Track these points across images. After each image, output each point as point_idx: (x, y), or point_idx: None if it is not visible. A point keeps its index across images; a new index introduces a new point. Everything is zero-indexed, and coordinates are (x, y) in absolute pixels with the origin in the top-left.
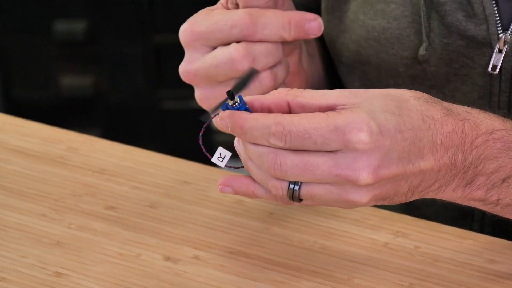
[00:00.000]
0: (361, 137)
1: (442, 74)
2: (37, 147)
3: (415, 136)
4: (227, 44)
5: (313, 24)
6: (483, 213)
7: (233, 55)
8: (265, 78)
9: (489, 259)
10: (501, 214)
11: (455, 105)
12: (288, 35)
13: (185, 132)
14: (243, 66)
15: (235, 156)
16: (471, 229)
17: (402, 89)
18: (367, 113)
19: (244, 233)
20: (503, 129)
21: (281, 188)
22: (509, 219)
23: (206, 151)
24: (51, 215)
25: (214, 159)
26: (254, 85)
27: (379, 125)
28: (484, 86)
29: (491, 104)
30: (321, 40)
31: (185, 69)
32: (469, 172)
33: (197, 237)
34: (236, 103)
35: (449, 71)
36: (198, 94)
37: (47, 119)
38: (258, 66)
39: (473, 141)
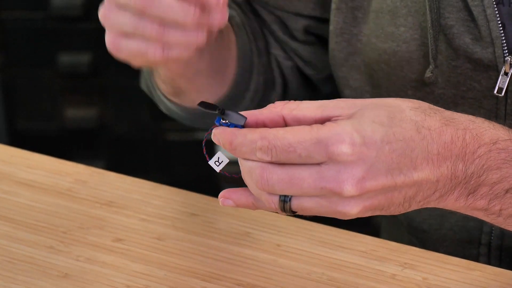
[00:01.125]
0: (343, 149)
1: (449, 97)
2: (44, 180)
3: (406, 147)
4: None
5: (216, 16)
6: (490, 237)
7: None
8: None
9: None
10: (503, 226)
11: (457, 114)
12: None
13: (190, 163)
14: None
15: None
16: (478, 252)
17: (401, 99)
18: (352, 125)
19: (252, 265)
20: (507, 139)
21: (273, 202)
22: None
23: (209, 156)
24: (58, 248)
25: (211, 162)
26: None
27: (364, 137)
28: (490, 109)
29: None
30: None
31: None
32: (472, 182)
33: (205, 269)
34: (227, 120)
35: (457, 94)
36: (101, 11)
37: (51, 151)
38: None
39: (475, 150)
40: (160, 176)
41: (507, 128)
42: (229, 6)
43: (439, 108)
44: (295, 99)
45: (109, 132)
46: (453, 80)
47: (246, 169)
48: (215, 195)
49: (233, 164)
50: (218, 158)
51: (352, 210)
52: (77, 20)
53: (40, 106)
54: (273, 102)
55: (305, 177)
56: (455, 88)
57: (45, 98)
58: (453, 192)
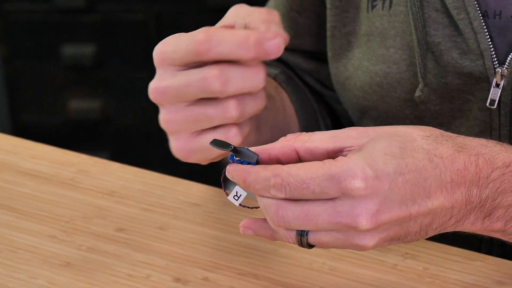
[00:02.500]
0: (356, 184)
1: (447, 112)
2: (48, 170)
3: (419, 176)
4: (188, 64)
5: (271, 43)
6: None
7: (206, 75)
8: (229, 107)
9: (498, 280)
10: None
11: (469, 139)
12: (246, 53)
13: None
14: (215, 87)
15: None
16: (479, 249)
17: (412, 127)
18: (363, 159)
19: (253, 255)
20: None
21: (290, 237)
22: None
23: (226, 189)
24: (61, 237)
25: (230, 197)
26: (216, 114)
27: (376, 170)
28: (485, 120)
29: (492, 138)
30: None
31: (154, 86)
32: (487, 206)
33: (207, 258)
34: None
35: (454, 108)
36: (162, 116)
37: (55, 142)
38: (231, 89)
39: (489, 175)
40: (163, 166)
41: None
42: (270, 65)
43: (451, 134)
44: None
45: (113, 123)
46: (446, 96)
47: (262, 205)
48: (217, 185)
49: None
50: (237, 192)
51: (369, 243)
52: (81, 12)
53: (44, 98)
54: None
55: (320, 213)
56: (451, 103)
57: (48, 90)
58: (469, 217)
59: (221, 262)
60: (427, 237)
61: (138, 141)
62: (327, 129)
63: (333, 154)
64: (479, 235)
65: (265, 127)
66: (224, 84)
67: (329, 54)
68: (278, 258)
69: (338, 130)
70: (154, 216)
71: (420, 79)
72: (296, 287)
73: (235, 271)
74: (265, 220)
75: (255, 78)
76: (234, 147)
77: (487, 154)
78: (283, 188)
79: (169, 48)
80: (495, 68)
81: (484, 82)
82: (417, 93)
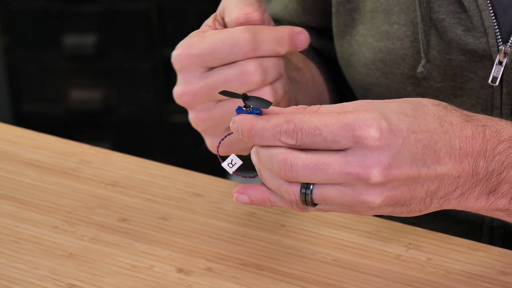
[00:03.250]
0: (371, 133)
1: (448, 89)
2: (50, 160)
3: (430, 138)
4: (228, 63)
5: (301, 37)
6: (491, 227)
7: (246, 68)
8: (266, 93)
9: (501, 271)
10: None
11: (475, 113)
12: (282, 50)
13: (195, 145)
14: (256, 78)
15: (248, 168)
16: (481, 233)
17: (420, 98)
18: (379, 112)
19: (256, 245)
20: None
21: (293, 192)
22: None
23: (221, 158)
24: (63, 227)
25: (224, 164)
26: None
27: (391, 124)
28: (487, 98)
29: (493, 116)
30: (324, 59)
31: (183, 91)
32: (492, 180)
33: (210, 249)
34: (250, 108)
35: (455, 86)
36: (193, 116)
37: (57, 132)
38: (268, 78)
39: (495, 147)
40: (165, 157)
41: None
42: None
43: (456, 107)
44: None
45: (114, 114)
46: (449, 73)
47: (266, 158)
48: (220, 175)
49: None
50: (232, 160)
51: (376, 199)
52: (82, 2)
53: (45, 88)
54: None
55: (330, 163)
56: (453, 80)
57: (50, 80)
58: (474, 190)
59: (224, 252)
60: (430, 209)
61: (140, 131)
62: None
63: None
64: (479, 225)
65: (295, 99)
66: (263, 74)
67: (334, 30)
68: (281, 248)
69: (348, 102)
70: (156, 206)
71: (423, 55)
72: (299, 278)
73: (238, 261)
74: (261, 185)
75: (281, 66)
76: (246, 94)
77: (493, 126)
78: (295, 133)
79: (200, 51)
80: (498, 46)
81: (487, 60)
82: (419, 69)
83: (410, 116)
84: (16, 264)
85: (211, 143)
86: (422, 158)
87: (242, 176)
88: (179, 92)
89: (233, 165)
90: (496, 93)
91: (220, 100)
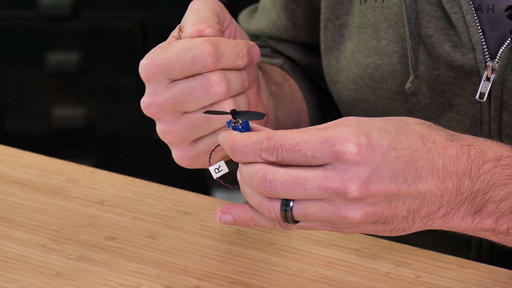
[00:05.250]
0: (349, 148)
1: (436, 105)
2: (36, 178)
3: (412, 156)
4: (190, 75)
5: (255, 50)
6: (480, 242)
7: (210, 79)
8: (228, 106)
9: None
10: (511, 245)
11: (460, 134)
12: (242, 63)
13: None
14: (220, 89)
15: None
16: (468, 258)
17: (404, 117)
18: (358, 128)
19: (245, 263)
20: (511, 155)
21: (274, 209)
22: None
23: (210, 162)
24: (51, 246)
25: (211, 168)
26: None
27: (370, 139)
28: (475, 114)
29: (482, 132)
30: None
31: (148, 102)
32: (478, 199)
33: (198, 267)
34: (238, 124)
35: (444, 101)
36: (160, 128)
37: (40, 150)
38: (232, 91)
39: (480, 167)
40: (150, 174)
41: (509, 145)
42: (273, 56)
43: (441, 127)
44: None
45: (98, 131)
46: (437, 88)
47: (247, 174)
48: (207, 193)
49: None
50: (219, 166)
51: (355, 214)
52: (66, 19)
53: (28, 106)
54: None
55: (310, 178)
56: (441, 96)
57: (33, 98)
58: (459, 210)
59: (212, 270)
60: (413, 228)
61: (124, 148)
62: (333, 117)
63: None
64: (468, 240)
65: (275, 114)
66: (227, 86)
67: (322, 46)
68: (269, 266)
69: (332, 121)
70: (144, 224)
71: (411, 71)
72: None
73: (226, 279)
74: (244, 204)
75: (245, 79)
76: (235, 109)
77: (478, 146)
78: (275, 150)
79: (163, 61)
80: (486, 62)
81: (475, 76)
82: (408, 84)
83: (392, 133)
84: (4, 284)
85: (177, 156)
86: (403, 174)
87: (224, 184)
88: (145, 103)
89: (219, 171)
90: (484, 108)
91: (186, 112)
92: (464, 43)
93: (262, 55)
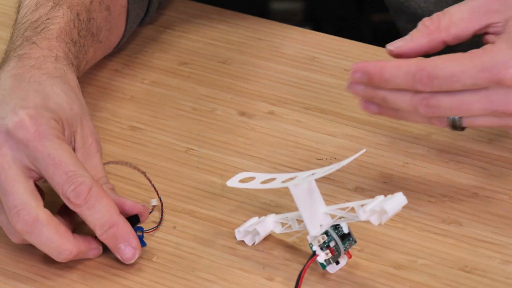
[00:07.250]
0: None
1: None
2: None
3: None
4: None
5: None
6: None
7: None
8: None
9: None
10: None
11: None
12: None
13: None
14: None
15: None
16: None
17: None
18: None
19: (319, 89)
20: None
21: (440, 123)
22: None
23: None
24: (124, 71)
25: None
26: None
27: None
28: None
29: None
30: None
31: None
32: None
33: (272, 92)
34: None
35: None
36: None
37: None
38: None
39: None
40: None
41: None
42: None
43: None
44: None
45: None
46: None
47: (405, 103)
48: (281, 20)
49: None
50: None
51: None
52: None
53: None
54: None
55: (474, 102)
56: None
57: None
58: None
59: (286, 96)
60: None
61: None
62: None
63: (479, 33)
64: None
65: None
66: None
67: None
68: (345, 92)
69: (474, 1)
70: (217, 50)
71: None
72: (363, 121)
73: (301, 105)
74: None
75: None
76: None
77: None
78: (431, 82)
79: None
80: None
81: None
82: None
83: None
84: None
85: None
86: None
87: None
88: None
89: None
90: None
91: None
92: None
93: None
